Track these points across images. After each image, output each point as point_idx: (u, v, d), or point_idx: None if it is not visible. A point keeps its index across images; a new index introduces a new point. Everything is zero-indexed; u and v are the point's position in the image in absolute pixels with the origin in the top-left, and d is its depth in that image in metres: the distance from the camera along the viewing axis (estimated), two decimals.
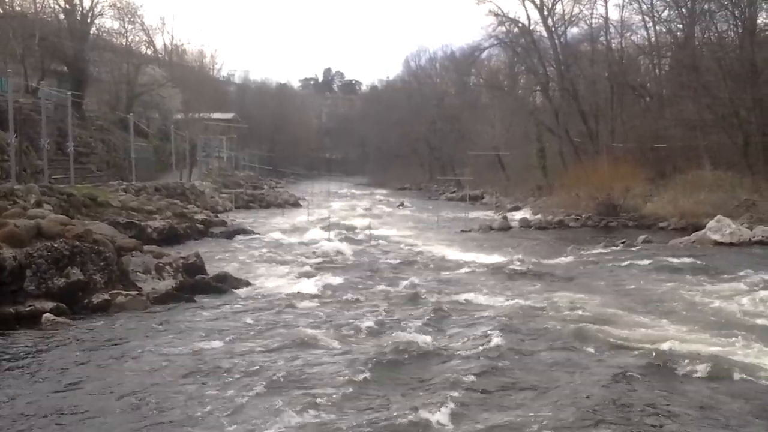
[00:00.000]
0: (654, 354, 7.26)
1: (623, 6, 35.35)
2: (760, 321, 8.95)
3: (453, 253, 16.69)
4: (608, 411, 5.67)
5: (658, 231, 21.05)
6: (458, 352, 7.39)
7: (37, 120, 22.87)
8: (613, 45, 36.61)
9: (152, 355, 7.23)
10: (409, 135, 67.74)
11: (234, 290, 11.29)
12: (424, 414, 5.56)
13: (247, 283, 11.80)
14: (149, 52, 50.76)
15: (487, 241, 19.95)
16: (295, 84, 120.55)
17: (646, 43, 35.85)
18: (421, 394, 6.09)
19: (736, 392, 6.19)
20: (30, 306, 8.79)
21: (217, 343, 7.70)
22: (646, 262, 14.23)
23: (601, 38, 37.06)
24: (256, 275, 12.84)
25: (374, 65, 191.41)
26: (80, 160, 26.35)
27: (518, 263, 14.59)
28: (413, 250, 17.70)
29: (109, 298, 9.50)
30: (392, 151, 74.20)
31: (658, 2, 33.18)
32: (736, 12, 27.56)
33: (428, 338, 7.95)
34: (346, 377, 6.49)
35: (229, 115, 64.39)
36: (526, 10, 39.41)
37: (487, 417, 5.58)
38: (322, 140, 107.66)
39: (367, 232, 21.28)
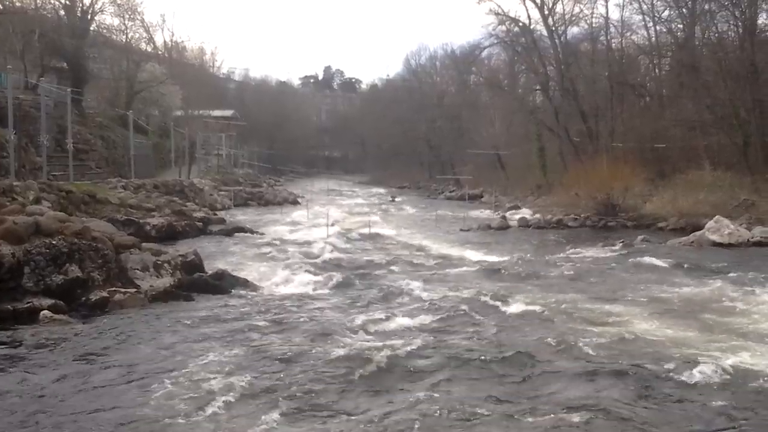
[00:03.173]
0: (650, 356, 7.26)
1: (623, 6, 35.43)
2: (756, 323, 8.94)
3: (451, 252, 16.71)
4: (602, 415, 5.66)
5: (656, 231, 21.03)
6: (453, 354, 7.38)
7: (37, 117, 22.91)
8: (614, 45, 36.66)
9: (150, 353, 7.23)
10: (409, 133, 67.77)
11: (232, 288, 11.28)
12: (412, 415, 5.57)
13: (245, 281, 11.77)
14: (149, 49, 50.85)
15: (485, 240, 19.95)
16: (295, 82, 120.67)
17: (647, 42, 35.90)
18: (413, 396, 6.09)
19: (734, 395, 6.18)
20: (28, 303, 8.77)
21: (214, 342, 7.70)
22: (644, 262, 14.23)
23: (602, 38, 37.08)
24: (254, 273, 12.82)
25: (374, 63, 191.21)
26: (79, 157, 26.36)
27: (515, 263, 14.60)
28: (412, 248, 17.70)
29: (108, 295, 9.47)
30: (392, 150, 74.20)
31: (659, 2, 33.22)
32: (736, 12, 27.54)
33: (424, 339, 7.94)
34: (342, 378, 6.49)
35: (228, 113, 64.39)
36: (527, 10, 39.74)
37: (481, 418, 5.59)
38: (321, 138, 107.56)
39: (366, 230, 21.29)
